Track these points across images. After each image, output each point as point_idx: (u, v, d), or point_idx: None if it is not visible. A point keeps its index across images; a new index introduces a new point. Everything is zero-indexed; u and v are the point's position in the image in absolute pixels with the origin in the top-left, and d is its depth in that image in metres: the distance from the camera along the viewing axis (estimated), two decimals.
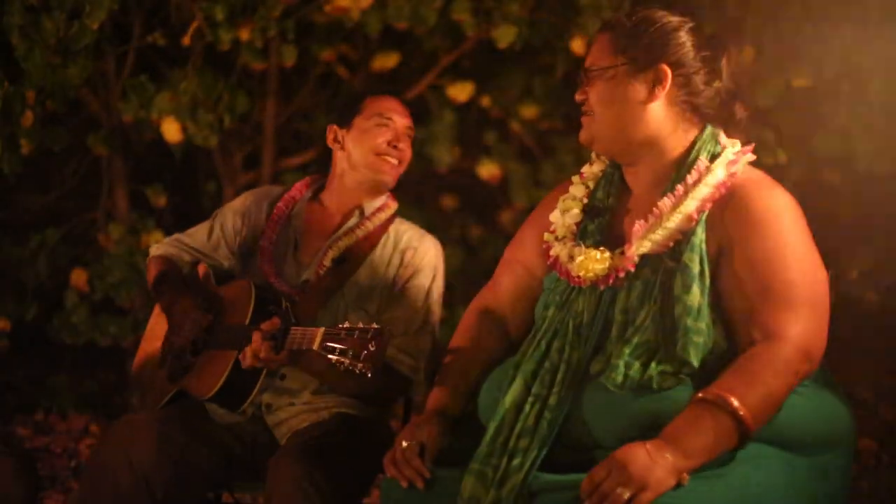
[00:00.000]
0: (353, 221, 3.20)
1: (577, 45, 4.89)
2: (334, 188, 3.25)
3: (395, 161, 3.18)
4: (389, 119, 3.18)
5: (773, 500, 2.31)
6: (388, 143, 3.17)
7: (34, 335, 5.04)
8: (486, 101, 5.59)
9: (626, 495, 2.23)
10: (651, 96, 2.51)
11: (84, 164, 5.21)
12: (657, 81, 2.51)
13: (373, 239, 3.18)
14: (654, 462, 2.25)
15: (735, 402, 2.28)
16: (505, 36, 4.80)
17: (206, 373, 3.05)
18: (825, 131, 5.14)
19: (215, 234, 3.30)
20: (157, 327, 3.28)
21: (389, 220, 3.23)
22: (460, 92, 5.37)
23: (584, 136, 2.59)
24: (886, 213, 5.44)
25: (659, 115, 2.52)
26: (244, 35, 4.52)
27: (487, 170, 5.59)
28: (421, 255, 3.17)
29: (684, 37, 2.52)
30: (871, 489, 4.35)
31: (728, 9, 4.95)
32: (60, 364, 5.33)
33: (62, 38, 4.09)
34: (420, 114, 5.54)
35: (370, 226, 3.19)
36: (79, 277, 4.92)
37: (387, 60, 5.31)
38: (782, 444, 2.39)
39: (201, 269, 3.25)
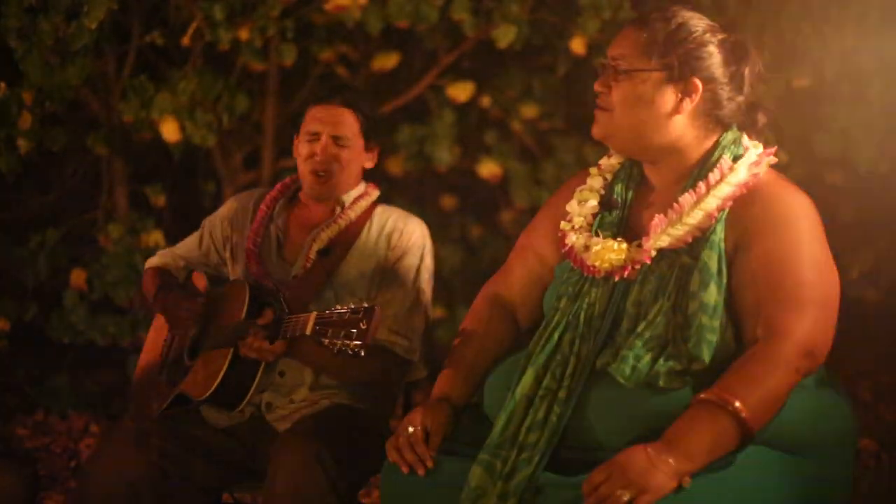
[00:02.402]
0: (334, 213, 3.21)
1: (577, 45, 4.89)
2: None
3: (320, 175, 3.17)
4: (316, 134, 3.18)
5: (769, 501, 2.31)
6: (310, 157, 3.17)
7: (34, 335, 5.03)
8: (486, 101, 5.59)
9: (626, 498, 2.23)
10: (678, 108, 2.50)
11: (84, 164, 5.20)
12: (686, 94, 2.50)
13: (356, 227, 3.20)
14: (654, 465, 2.25)
15: (736, 403, 2.28)
16: (505, 36, 4.79)
17: (203, 373, 3.06)
18: (825, 132, 5.14)
19: (205, 242, 3.32)
20: (157, 337, 3.30)
21: (371, 208, 3.24)
22: (460, 92, 5.37)
23: (599, 130, 2.56)
24: (886, 213, 5.43)
25: (682, 125, 2.52)
26: (244, 35, 4.52)
27: (487, 170, 5.58)
28: (407, 236, 3.18)
29: (715, 50, 2.50)
30: (871, 489, 4.35)
31: (728, 9, 4.95)
32: (60, 364, 5.32)
33: (60, 39, 4.09)
34: (420, 114, 5.55)
35: (352, 214, 3.21)
36: (78, 277, 4.91)
37: (387, 60, 5.31)
38: (782, 445, 2.38)
39: (197, 277, 3.27)
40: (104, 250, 4.89)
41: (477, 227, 5.97)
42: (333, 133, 3.17)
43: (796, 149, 5.25)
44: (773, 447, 2.37)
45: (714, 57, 2.50)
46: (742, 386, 2.30)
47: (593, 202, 2.62)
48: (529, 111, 5.54)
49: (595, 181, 2.66)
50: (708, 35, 2.51)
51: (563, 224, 2.64)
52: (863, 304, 5.60)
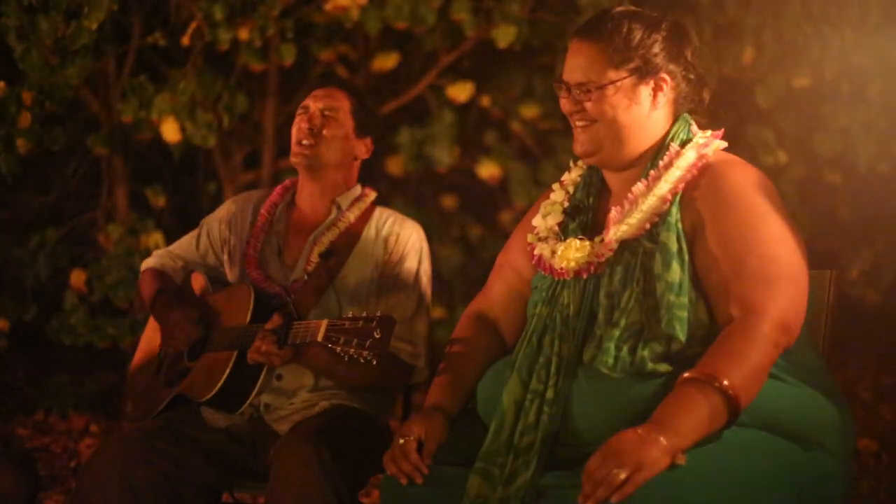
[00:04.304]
0: (332, 216, 3.21)
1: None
2: (304, 188, 3.27)
3: (303, 143, 3.17)
4: (305, 107, 3.22)
5: (766, 486, 2.31)
6: (298, 130, 3.19)
7: (33, 335, 5.04)
8: (486, 101, 5.59)
9: (622, 476, 2.24)
10: (654, 104, 2.56)
11: (84, 164, 5.21)
12: (658, 89, 2.56)
13: (356, 230, 3.20)
14: (646, 444, 2.26)
15: (724, 381, 2.30)
16: (505, 36, 4.80)
17: (204, 375, 3.06)
18: (825, 131, 5.14)
19: (203, 244, 3.31)
20: (153, 335, 3.29)
21: (370, 210, 3.25)
22: (460, 92, 5.38)
23: (582, 147, 2.60)
24: (886, 213, 5.44)
25: (657, 119, 2.57)
26: (243, 35, 4.53)
27: (487, 170, 5.59)
28: (403, 240, 3.19)
29: (666, 41, 2.57)
30: (871, 489, 4.35)
31: (728, 9, 4.96)
32: (60, 364, 5.33)
33: (60, 39, 4.09)
34: (420, 114, 5.55)
35: (351, 217, 3.21)
36: (78, 278, 4.91)
37: (387, 60, 5.32)
38: (777, 431, 2.39)
39: (196, 277, 3.26)
40: (104, 251, 4.89)
41: (477, 227, 5.98)
42: (322, 106, 3.20)
43: (796, 149, 5.26)
44: (769, 433, 2.38)
45: (666, 48, 2.57)
46: (725, 362, 2.32)
47: (557, 213, 2.68)
48: (529, 111, 5.55)
49: (558, 195, 2.72)
50: (654, 29, 2.57)
51: (529, 237, 2.70)
52: (863, 304, 5.61)
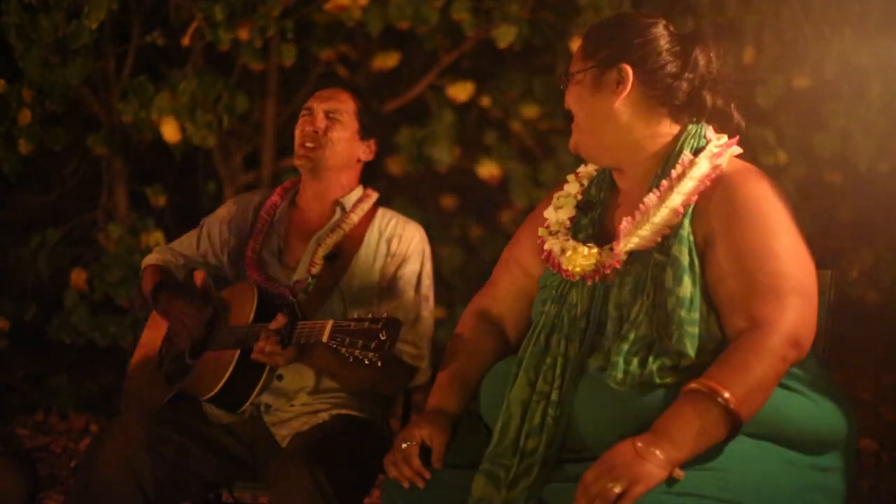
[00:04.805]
0: (336, 217, 3.21)
1: (577, 45, 4.89)
2: (307, 190, 3.26)
3: (307, 145, 3.18)
4: (310, 109, 3.22)
5: (768, 495, 2.31)
6: (302, 132, 3.19)
7: (34, 335, 5.04)
8: (486, 101, 5.59)
9: (617, 490, 2.23)
10: (614, 96, 2.54)
11: (84, 164, 5.20)
12: (619, 81, 2.54)
13: (359, 231, 3.20)
14: (642, 457, 2.26)
15: (724, 393, 2.28)
16: (505, 36, 4.80)
17: (206, 373, 3.05)
18: (825, 131, 5.14)
19: (203, 244, 3.31)
20: (153, 335, 3.29)
21: (373, 211, 3.25)
22: (460, 92, 5.38)
23: (571, 142, 2.63)
24: (886, 213, 5.44)
25: (626, 113, 2.54)
26: (244, 35, 4.52)
27: (487, 170, 5.59)
28: (406, 242, 3.19)
29: (650, 34, 2.55)
30: (871, 489, 4.35)
31: (728, 9, 4.96)
32: (60, 364, 5.33)
33: (60, 38, 4.09)
34: (420, 114, 5.55)
35: (355, 218, 3.21)
36: (78, 277, 4.91)
37: (387, 60, 5.32)
38: (782, 441, 2.39)
39: (199, 274, 3.26)
40: (104, 250, 4.89)
41: (477, 227, 5.98)
42: (326, 108, 3.20)
43: (796, 149, 5.26)
44: (772, 442, 2.38)
45: (651, 43, 2.54)
46: (729, 375, 2.30)
47: (570, 207, 2.67)
48: (529, 111, 5.55)
49: (572, 187, 2.71)
50: (642, 23, 2.57)
51: (540, 230, 2.68)
52: (863, 304, 5.60)
